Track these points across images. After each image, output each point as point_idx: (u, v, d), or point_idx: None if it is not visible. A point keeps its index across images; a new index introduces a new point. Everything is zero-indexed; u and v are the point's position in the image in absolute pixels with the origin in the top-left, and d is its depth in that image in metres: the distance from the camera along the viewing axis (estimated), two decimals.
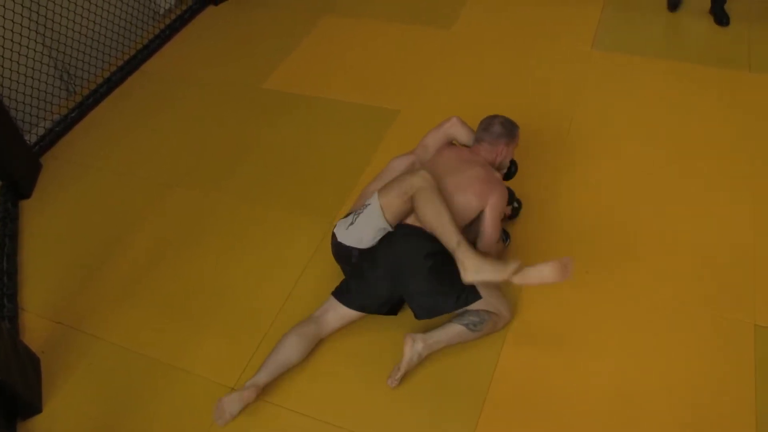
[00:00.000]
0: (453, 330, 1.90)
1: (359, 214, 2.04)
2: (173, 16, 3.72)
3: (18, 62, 2.83)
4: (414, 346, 1.86)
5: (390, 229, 2.00)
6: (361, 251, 2.02)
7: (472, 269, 1.82)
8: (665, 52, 3.12)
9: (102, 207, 2.64)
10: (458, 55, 3.25)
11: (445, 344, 1.91)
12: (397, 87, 3.08)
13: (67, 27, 3.08)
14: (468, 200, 2.01)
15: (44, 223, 2.60)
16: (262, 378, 1.87)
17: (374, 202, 2.00)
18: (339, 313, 2.00)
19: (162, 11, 3.69)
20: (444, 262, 1.92)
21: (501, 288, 2.04)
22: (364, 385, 1.93)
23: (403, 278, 1.94)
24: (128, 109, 3.17)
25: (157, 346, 2.10)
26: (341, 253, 2.08)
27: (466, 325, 1.90)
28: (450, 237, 1.87)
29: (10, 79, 2.81)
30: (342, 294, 2.01)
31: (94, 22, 3.23)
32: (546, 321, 2.04)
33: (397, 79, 3.13)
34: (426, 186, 1.91)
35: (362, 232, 2.02)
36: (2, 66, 2.78)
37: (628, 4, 3.49)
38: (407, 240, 1.96)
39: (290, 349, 1.92)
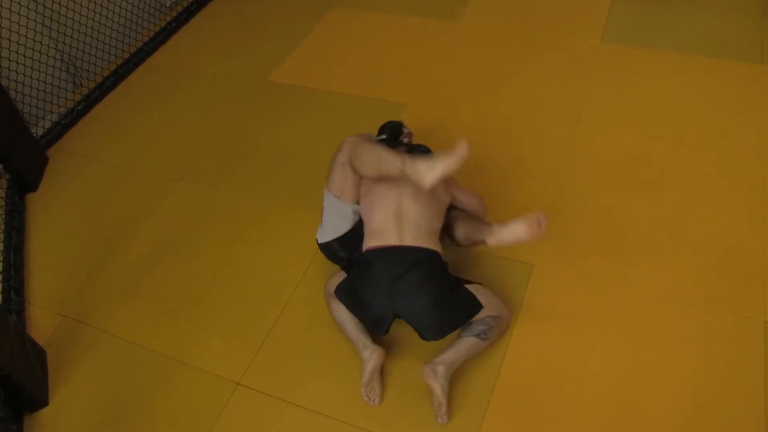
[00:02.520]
0: (467, 343, 1.85)
1: (322, 213, 2.12)
2: (180, 9, 3.71)
3: (24, 55, 2.83)
4: (437, 374, 1.77)
5: (357, 207, 2.04)
6: (342, 240, 2.05)
7: (426, 171, 1.79)
8: (676, 45, 3.08)
9: (108, 200, 2.64)
10: (466, 47, 3.22)
11: (463, 359, 1.85)
12: (404, 80, 3.05)
13: (73, 20, 3.07)
14: (445, 196, 2.05)
15: (51, 217, 2.60)
16: (369, 341, 1.87)
17: (326, 195, 2.11)
18: None
19: (169, 3, 3.68)
20: (446, 281, 1.89)
21: (500, 293, 2.06)
22: None
23: (408, 300, 1.84)
24: (134, 102, 3.16)
25: (163, 340, 2.10)
26: (329, 253, 2.13)
27: (477, 335, 1.86)
28: (393, 163, 1.86)
29: (16, 72, 2.81)
30: (348, 302, 1.95)
31: (100, 14, 3.22)
32: (552, 318, 2.03)
33: (403, 72, 3.11)
34: (354, 145, 2.00)
35: (332, 222, 2.07)
36: (9, 59, 2.78)
37: None
38: (413, 270, 1.86)
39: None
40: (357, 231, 2.05)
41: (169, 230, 2.47)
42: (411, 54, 3.22)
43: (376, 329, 1.89)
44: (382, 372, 1.91)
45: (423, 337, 1.86)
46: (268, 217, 2.47)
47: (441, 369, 1.78)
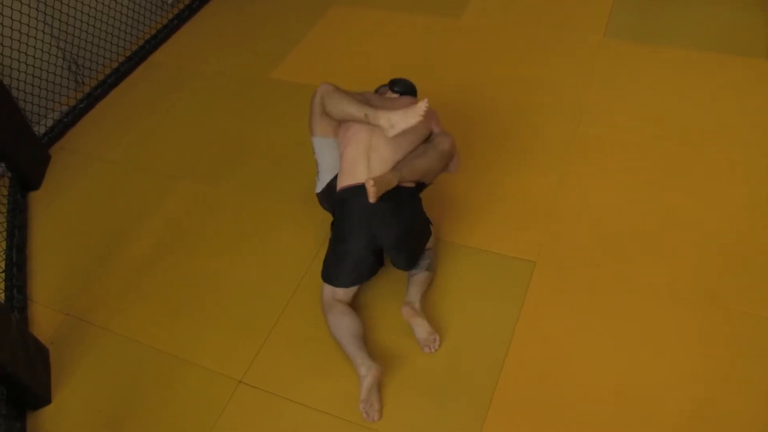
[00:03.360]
0: (422, 278, 2.06)
1: (317, 164, 2.18)
2: (182, 6, 3.70)
3: (26, 53, 2.83)
4: (417, 309, 1.96)
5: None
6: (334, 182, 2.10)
7: (386, 127, 1.93)
8: (679, 40, 3.06)
9: (110, 198, 2.65)
10: (467, 44, 3.21)
11: (423, 293, 2.05)
12: (405, 76, 3.03)
13: (75, 17, 3.07)
14: (424, 129, 2.10)
15: (53, 215, 2.61)
16: (366, 358, 1.85)
17: (314, 141, 2.17)
18: (339, 293, 2.03)
19: (170, 1, 3.67)
20: (416, 213, 2.06)
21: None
22: None
23: (386, 233, 1.98)
24: (136, 100, 3.16)
25: (165, 338, 2.10)
26: (330, 197, 2.14)
27: (428, 269, 2.07)
28: (357, 112, 1.99)
29: (18, 70, 2.81)
30: (333, 280, 2.03)
31: (102, 12, 3.23)
32: (553, 315, 2.02)
33: (404, 69, 3.08)
34: (327, 92, 2.08)
35: (327, 163, 2.15)
36: (10, 57, 2.78)
37: None
38: (385, 209, 1.97)
39: (353, 325, 1.95)
40: None
41: (171, 228, 2.47)
42: (413, 51, 3.21)
43: (365, 273, 2.02)
44: (380, 387, 1.88)
45: (398, 266, 2.07)
46: (270, 214, 2.47)
47: (418, 306, 1.97)
